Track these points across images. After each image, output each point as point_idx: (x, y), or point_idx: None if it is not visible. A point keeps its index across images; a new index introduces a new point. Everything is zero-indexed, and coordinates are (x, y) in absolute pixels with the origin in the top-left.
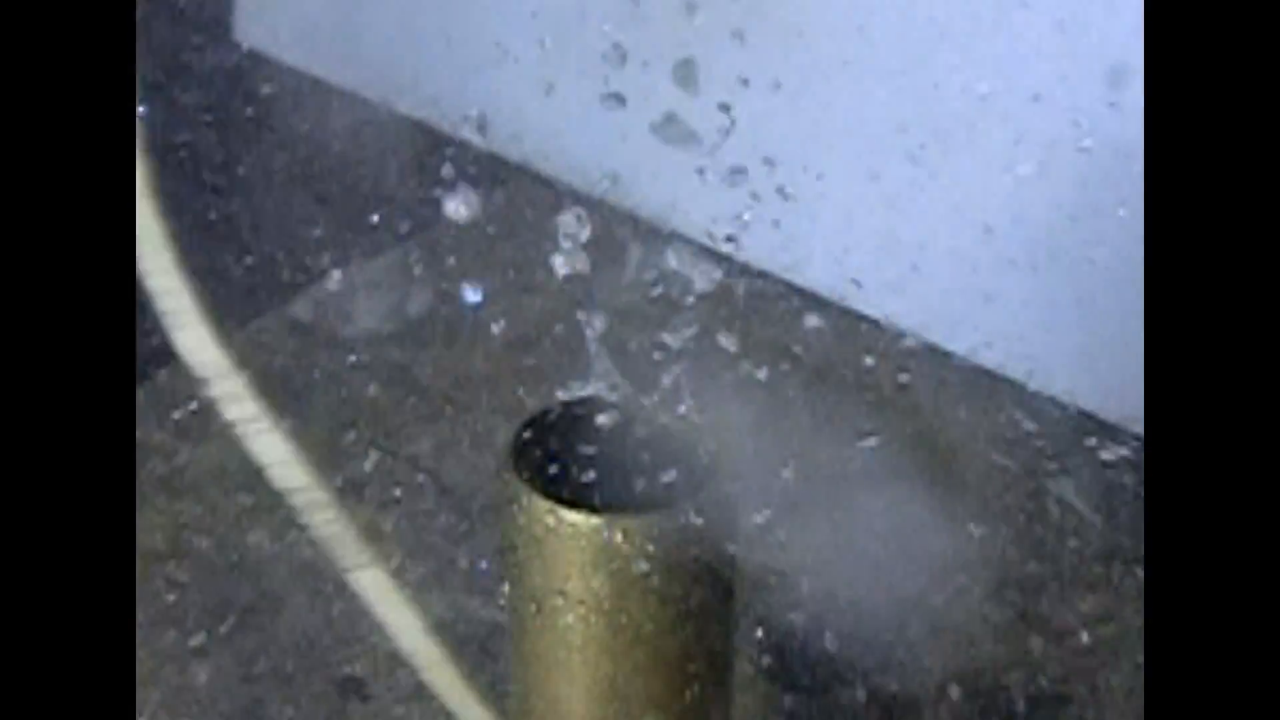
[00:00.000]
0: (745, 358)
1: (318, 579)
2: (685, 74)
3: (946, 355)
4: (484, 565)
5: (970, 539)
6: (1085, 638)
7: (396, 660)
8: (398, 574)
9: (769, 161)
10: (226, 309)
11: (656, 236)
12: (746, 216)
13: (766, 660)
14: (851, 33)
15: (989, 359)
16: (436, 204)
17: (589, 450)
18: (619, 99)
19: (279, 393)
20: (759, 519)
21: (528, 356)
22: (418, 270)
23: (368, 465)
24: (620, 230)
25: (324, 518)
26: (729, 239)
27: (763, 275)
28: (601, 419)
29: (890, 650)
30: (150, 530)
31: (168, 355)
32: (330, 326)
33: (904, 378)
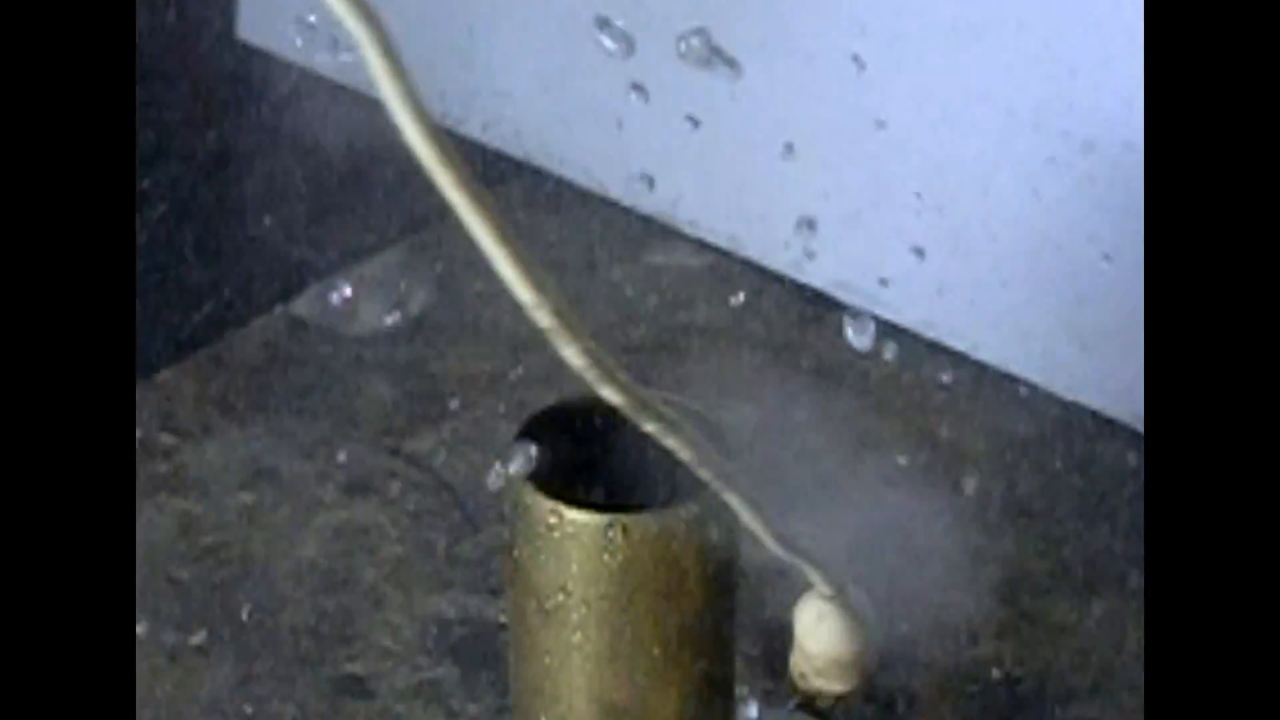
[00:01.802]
0: (746, 354)
1: (318, 578)
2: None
3: (946, 352)
4: (485, 564)
5: (970, 537)
6: (1085, 637)
7: (397, 658)
8: (398, 572)
9: (772, 159)
10: (227, 306)
11: (660, 234)
12: (747, 212)
13: (766, 659)
14: (854, 30)
15: (989, 355)
16: (440, 201)
17: (592, 447)
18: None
19: (278, 391)
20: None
21: (530, 354)
22: (419, 268)
23: (368, 463)
24: (622, 228)
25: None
26: (731, 235)
27: (763, 271)
28: (605, 416)
29: (891, 648)
30: (150, 529)
31: (168, 355)
32: (331, 324)
33: (903, 374)
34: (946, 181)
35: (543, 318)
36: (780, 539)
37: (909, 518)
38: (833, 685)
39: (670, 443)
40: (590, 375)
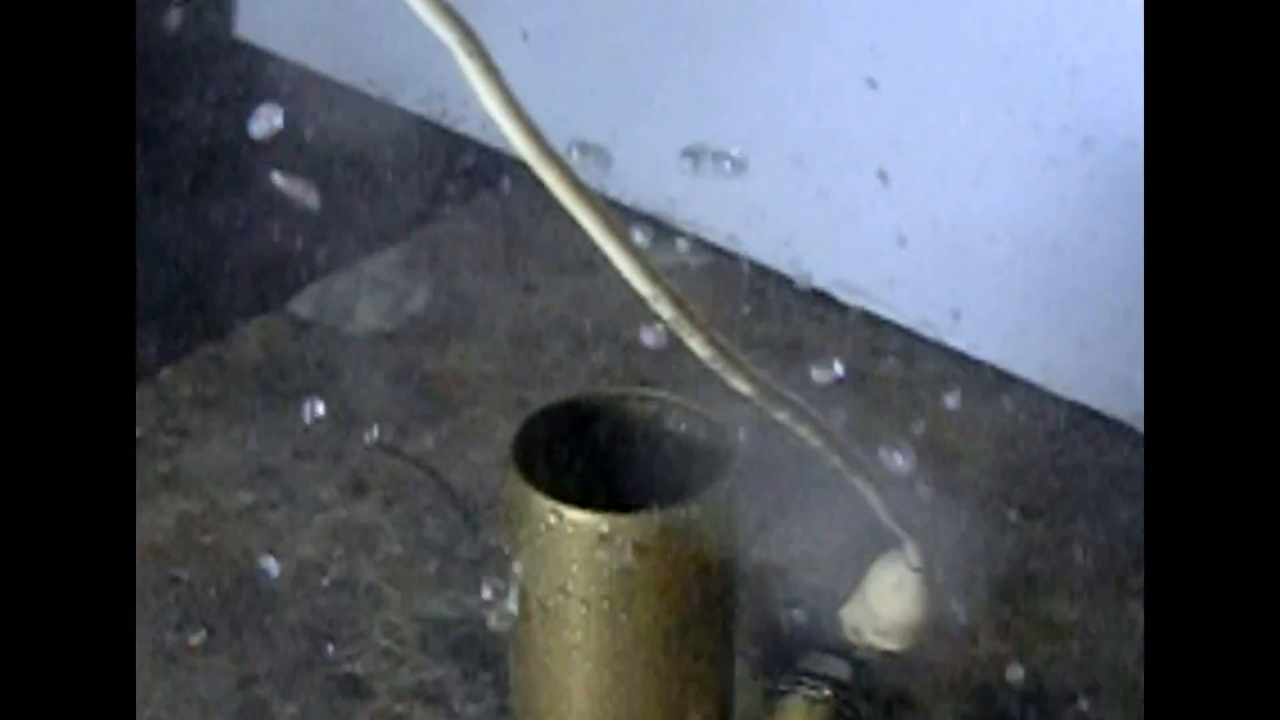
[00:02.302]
0: (746, 354)
1: (318, 578)
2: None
3: (947, 351)
4: (485, 564)
5: (970, 537)
6: (1085, 638)
7: (397, 658)
8: (398, 572)
9: (772, 158)
10: (227, 305)
11: (657, 232)
12: (747, 212)
13: (766, 659)
14: (852, 26)
15: (990, 354)
16: (440, 200)
17: (592, 447)
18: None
19: (278, 391)
20: (759, 516)
21: (529, 354)
22: (419, 267)
23: (368, 463)
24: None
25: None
26: (728, 234)
27: (762, 270)
28: (605, 415)
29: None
30: (150, 529)
31: (168, 354)
32: (331, 323)
33: (904, 374)
34: (947, 180)
35: (664, 309)
36: (896, 515)
37: (908, 516)
38: (887, 644)
39: (801, 430)
40: (717, 365)
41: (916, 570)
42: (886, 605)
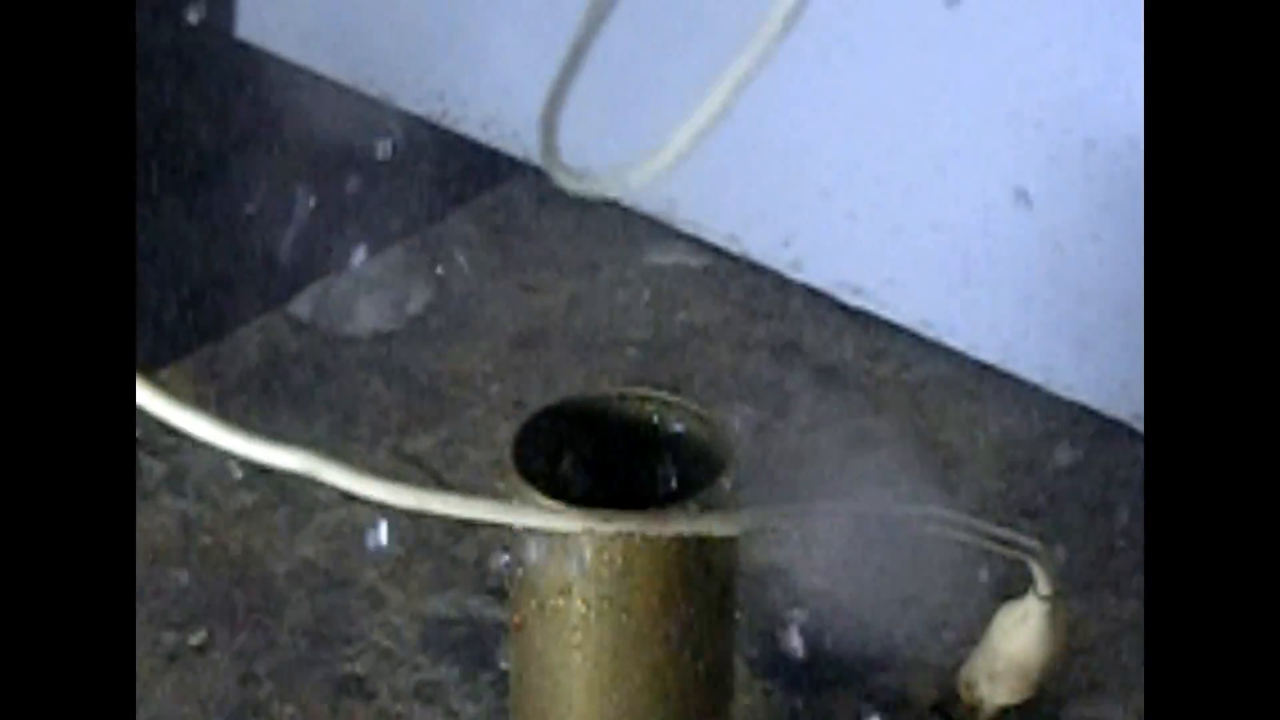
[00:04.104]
0: (743, 354)
1: (318, 578)
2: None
3: (947, 351)
4: (485, 564)
5: (970, 537)
6: (1085, 638)
7: (397, 658)
8: (398, 572)
9: (772, 158)
10: (227, 306)
11: (657, 232)
12: (747, 212)
13: (766, 658)
14: (852, 23)
15: (990, 354)
16: (440, 200)
17: (592, 447)
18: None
19: (279, 391)
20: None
21: (529, 354)
22: (419, 268)
23: (368, 463)
24: (621, 226)
25: None
26: (728, 233)
27: (762, 271)
28: (605, 415)
29: (890, 648)
30: (150, 529)
31: (168, 354)
32: (331, 324)
33: (904, 374)
34: (947, 179)
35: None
36: (998, 540)
37: (907, 516)
38: (997, 696)
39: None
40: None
41: (1045, 599)
42: (1009, 640)
